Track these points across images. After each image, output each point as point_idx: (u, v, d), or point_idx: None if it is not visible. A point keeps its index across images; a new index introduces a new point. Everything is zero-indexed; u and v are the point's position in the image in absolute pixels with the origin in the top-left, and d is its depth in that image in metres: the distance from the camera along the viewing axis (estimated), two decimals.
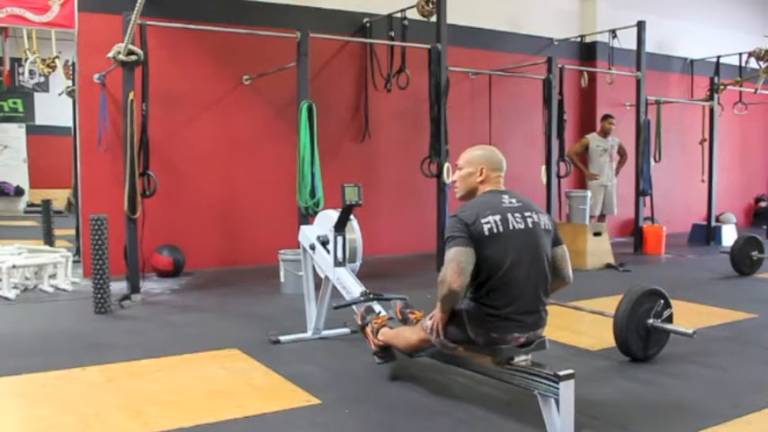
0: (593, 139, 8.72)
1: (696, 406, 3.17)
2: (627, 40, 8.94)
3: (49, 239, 7.72)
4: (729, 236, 9.28)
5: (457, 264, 2.74)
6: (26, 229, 11.36)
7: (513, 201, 2.92)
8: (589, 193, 8.12)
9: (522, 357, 2.88)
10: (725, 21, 11.33)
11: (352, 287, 3.82)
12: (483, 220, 2.79)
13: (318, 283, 4.23)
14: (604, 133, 8.65)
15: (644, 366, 3.74)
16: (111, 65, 5.84)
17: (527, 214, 2.90)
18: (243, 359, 3.88)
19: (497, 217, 2.82)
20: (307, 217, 5.93)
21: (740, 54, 10.59)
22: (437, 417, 3.00)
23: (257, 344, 4.15)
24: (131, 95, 5.55)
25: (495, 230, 2.79)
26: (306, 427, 2.92)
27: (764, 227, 10.10)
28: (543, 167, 7.91)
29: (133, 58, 5.54)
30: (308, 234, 4.20)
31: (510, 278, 2.80)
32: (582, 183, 9.18)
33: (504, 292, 2.81)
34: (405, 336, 3.31)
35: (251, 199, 7.34)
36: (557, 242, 3.01)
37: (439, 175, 6.88)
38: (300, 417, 3.02)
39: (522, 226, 2.85)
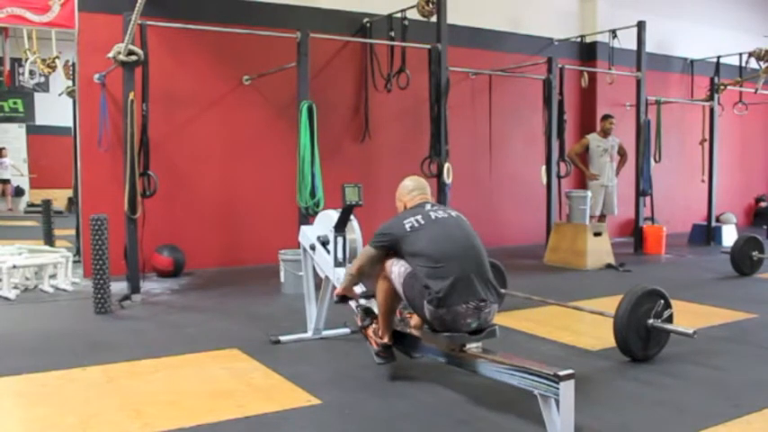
0: (593, 139, 8.71)
1: (696, 406, 3.17)
2: (627, 40, 8.94)
3: (50, 239, 7.72)
4: (729, 236, 9.29)
5: (362, 258, 3.44)
6: (26, 229, 11.38)
7: (435, 207, 3.40)
8: (589, 194, 8.11)
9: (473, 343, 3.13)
10: (725, 21, 11.33)
11: None
12: (405, 221, 3.28)
13: (318, 283, 4.23)
14: (605, 133, 8.64)
15: (644, 366, 3.74)
16: (112, 65, 5.84)
17: (448, 210, 3.39)
18: (243, 359, 3.88)
19: (418, 216, 3.29)
20: (307, 217, 5.93)
21: (740, 54, 10.59)
22: (437, 417, 3.01)
23: (257, 344, 4.15)
24: (131, 95, 5.55)
25: (415, 225, 3.25)
26: (306, 427, 2.92)
27: (765, 227, 10.10)
28: (543, 168, 7.91)
29: (133, 58, 5.54)
30: (308, 234, 4.20)
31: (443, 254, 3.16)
32: (582, 183, 9.18)
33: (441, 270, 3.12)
34: (378, 293, 3.46)
35: (251, 199, 7.34)
36: None
37: (439, 175, 6.88)
38: (300, 417, 3.02)
39: (445, 215, 3.32)
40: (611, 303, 4.07)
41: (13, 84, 14.72)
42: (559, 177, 7.95)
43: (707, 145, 9.72)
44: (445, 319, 3.09)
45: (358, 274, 3.48)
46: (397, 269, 3.30)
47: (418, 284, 3.14)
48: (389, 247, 3.34)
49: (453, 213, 3.37)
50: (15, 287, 5.76)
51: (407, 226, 3.25)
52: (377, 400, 3.21)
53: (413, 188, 3.56)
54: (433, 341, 3.30)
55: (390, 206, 3.61)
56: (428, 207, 3.38)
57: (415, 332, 3.48)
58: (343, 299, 3.65)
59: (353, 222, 4.11)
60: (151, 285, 6.18)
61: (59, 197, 14.66)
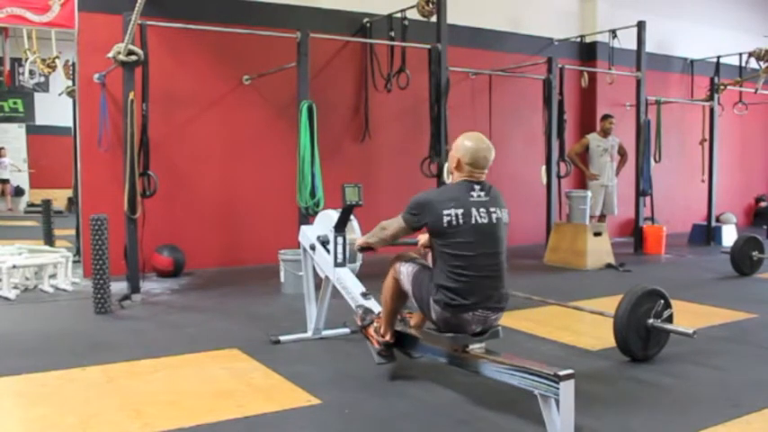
0: (593, 139, 8.71)
1: (696, 406, 3.18)
2: (627, 40, 8.94)
3: (50, 239, 7.72)
4: (729, 236, 9.28)
5: (396, 228, 3.30)
6: (26, 229, 11.37)
7: (482, 195, 3.11)
8: (589, 193, 8.11)
9: (477, 345, 3.12)
10: (725, 21, 11.33)
11: (352, 287, 3.82)
12: (444, 212, 3.04)
13: (318, 283, 4.23)
14: (605, 133, 8.64)
15: (644, 366, 3.74)
16: (111, 65, 5.84)
17: (492, 209, 3.11)
18: (243, 359, 3.88)
19: (460, 211, 3.04)
20: (307, 217, 5.93)
21: (740, 54, 10.59)
22: (437, 417, 3.01)
23: (257, 344, 4.15)
24: (131, 95, 5.55)
25: (453, 223, 3.03)
26: (306, 427, 2.92)
27: (765, 227, 10.10)
28: (543, 167, 7.91)
29: (133, 58, 5.54)
30: (308, 234, 4.20)
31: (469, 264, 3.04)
32: (582, 183, 9.18)
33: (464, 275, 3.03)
34: (384, 291, 3.44)
35: (251, 199, 7.34)
36: None
37: (439, 175, 6.87)
38: (300, 417, 3.02)
39: (485, 221, 3.07)
40: (611, 303, 4.07)
41: (13, 84, 14.74)
42: (559, 177, 7.95)
43: (707, 145, 9.72)
44: (450, 322, 3.09)
45: (391, 239, 3.38)
46: (405, 269, 3.31)
47: (430, 282, 3.13)
48: (419, 227, 3.21)
49: (494, 217, 3.09)
50: (15, 287, 5.76)
51: (445, 220, 3.02)
52: (377, 400, 3.21)
53: (471, 161, 3.10)
54: (435, 341, 3.30)
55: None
56: (475, 196, 3.07)
57: (414, 332, 3.48)
58: (366, 249, 3.61)
59: (353, 222, 4.11)
60: (151, 285, 6.17)
61: (59, 197, 14.65)
